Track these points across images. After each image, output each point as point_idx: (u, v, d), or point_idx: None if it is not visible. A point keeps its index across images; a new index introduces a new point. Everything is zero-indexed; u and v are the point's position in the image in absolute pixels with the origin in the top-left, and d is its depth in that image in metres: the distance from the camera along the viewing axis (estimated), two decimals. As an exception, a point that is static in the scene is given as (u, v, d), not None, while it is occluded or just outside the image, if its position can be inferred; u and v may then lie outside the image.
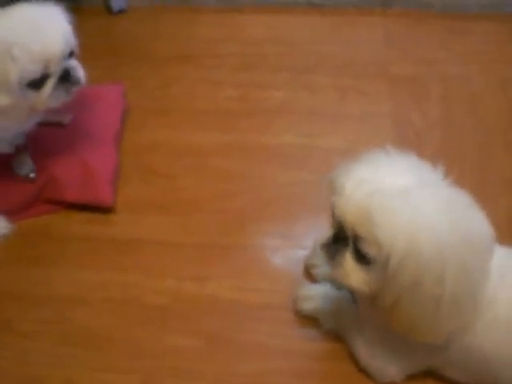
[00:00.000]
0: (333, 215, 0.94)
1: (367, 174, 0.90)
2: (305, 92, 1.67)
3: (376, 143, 0.98)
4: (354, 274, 0.93)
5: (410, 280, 0.86)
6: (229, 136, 1.57)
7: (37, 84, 1.24)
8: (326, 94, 1.66)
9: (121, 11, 2.02)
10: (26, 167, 1.43)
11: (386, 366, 1.05)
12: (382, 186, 0.87)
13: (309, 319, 1.18)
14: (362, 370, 1.09)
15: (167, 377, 1.13)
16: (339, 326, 1.14)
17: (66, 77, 1.27)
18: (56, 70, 1.25)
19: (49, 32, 1.24)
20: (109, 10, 2.02)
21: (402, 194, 0.86)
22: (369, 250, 0.88)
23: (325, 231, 0.97)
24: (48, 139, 1.47)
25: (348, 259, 0.93)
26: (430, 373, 1.07)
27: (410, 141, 1.50)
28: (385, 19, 1.90)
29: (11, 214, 1.41)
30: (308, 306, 1.18)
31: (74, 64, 1.30)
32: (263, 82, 1.71)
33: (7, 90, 1.21)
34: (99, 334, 1.20)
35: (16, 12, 1.26)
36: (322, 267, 1.22)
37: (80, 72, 1.31)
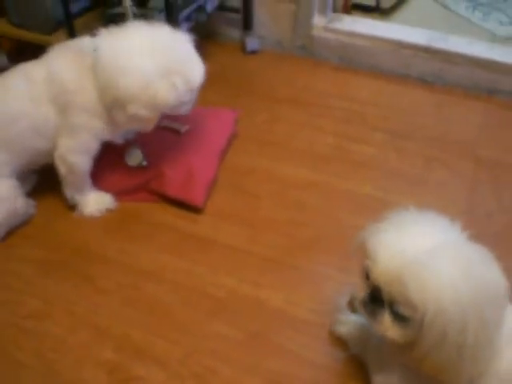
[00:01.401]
0: (367, 277, 1.09)
1: (397, 240, 1.05)
2: (393, 153, 1.84)
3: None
4: (392, 330, 1.07)
5: (438, 333, 1.00)
6: (315, 175, 1.76)
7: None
8: (412, 160, 1.81)
9: (253, 52, 2.30)
10: (136, 158, 1.69)
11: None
12: (410, 252, 1.02)
13: (340, 341, 1.32)
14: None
15: (205, 355, 1.31)
16: (364, 354, 1.28)
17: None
18: (193, 98, 1.56)
19: (197, 64, 1.55)
20: (243, 49, 2.31)
21: (428, 259, 1.00)
22: (404, 311, 1.02)
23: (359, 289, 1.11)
24: (164, 141, 1.73)
25: (386, 317, 1.07)
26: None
27: (479, 218, 1.62)
28: (487, 106, 2.03)
29: (118, 194, 1.68)
30: (342, 329, 1.32)
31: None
32: (359, 137, 1.90)
33: (153, 108, 1.49)
34: (159, 306, 1.42)
35: (169, 38, 1.53)
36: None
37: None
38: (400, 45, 2.14)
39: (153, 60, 1.47)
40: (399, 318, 1.04)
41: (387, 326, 1.07)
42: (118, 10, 1.99)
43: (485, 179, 1.76)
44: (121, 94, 1.45)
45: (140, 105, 1.47)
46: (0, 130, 1.52)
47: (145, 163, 1.69)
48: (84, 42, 1.56)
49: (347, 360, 1.30)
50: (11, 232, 1.58)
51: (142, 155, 1.69)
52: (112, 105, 1.49)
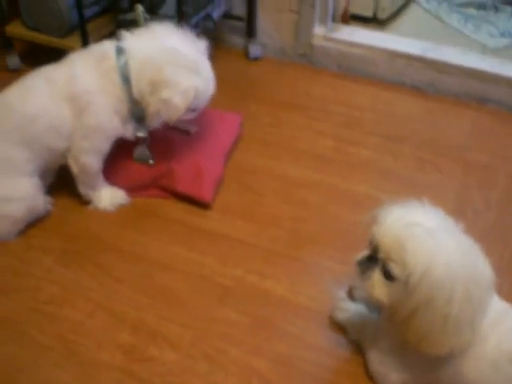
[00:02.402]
0: (371, 240, 1.21)
1: (404, 214, 1.17)
2: (389, 156, 1.96)
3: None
4: (378, 287, 1.19)
5: (424, 298, 1.11)
6: (316, 175, 1.88)
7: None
8: (406, 162, 1.94)
9: (256, 58, 2.42)
10: (144, 156, 1.79)
11: (390, 372, 1.28)
12: (414, 220, 1.14)
13: (340, 327, 1.43)
14: (368, 374, 1.33)
15: (214, 338, 1.42)
16: (361, 339, 1.39)
17: None
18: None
19: (209, 74, 1.68)
20: (246, 55, 2.42)
21: (429, 232, 1.13)
22: (395, 269, 1.14)
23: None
24: (174, 141, 1.84)
25: (376, 274, 1.19)
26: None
27: (466, 216, 1.73)
28: (476, 114, 2.16)
29: (130, 190, 1.79)
30: (341, 315, 1.44)
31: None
32: (356, 141, 2.02)
33: (185, 99, 1.61)
34: (172, 293, 1.53)
35: (189, 47, 1.66)
36: (361, 290, 1.48)
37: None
38: (395, 54, 2.27)
39: (188, 58, 1.61)
40: (388, 277, 1.15)
41: (375, 284, 1.18)
42: (129, 16, 2.10)
43: (473, 181, 1.88)
44: (164, 77, 1.57)
45: (176, 91, 1.58)
46: (21, 129, 1.61)
47: (151, 162, 1.79)
48: (105, 45, 1.66)
49: (346, 344, 1.41)
50: (31, 224, 1.68)
51: (149, 154, 1.79)
52: (146, 90, 1.60)
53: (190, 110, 1.66)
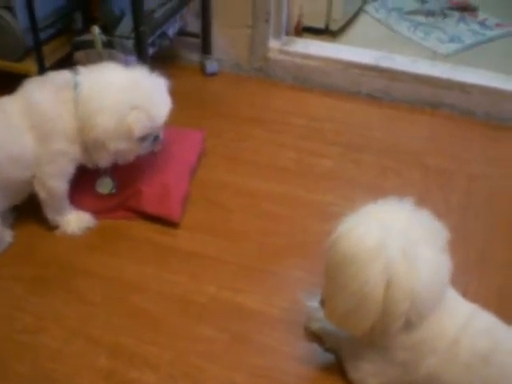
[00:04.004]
0: None
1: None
2: (351, 165, 2.01)
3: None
4: None
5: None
6: (282, 188, 1.91)
7: (143, 139, 1.66)
8: (368, 170, 1.99)
9: (212, 74, 2.45)
10: (107, 187, 1.79)
11: (367, 377, 1.31)
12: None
13: (315, 337, 1.46)
14: (347, 382, 1.36)
15: (193, 356, 1.43)
16: (337, 347, 1.42)
17: (157, 137, 1.73)
18: (158, 132, 1.70)
19: (163, 106, 1.70)
20: (203, 71, 2.45)
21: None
22: None
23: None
24: (139, 161, 1.83)
25: None
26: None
27: (429, 219, 1.79)
28: (432, 119, 2.24)
29: (96, 213, 1.78)
30: (316, 325, 1.47)
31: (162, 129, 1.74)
32: (318, 151, 2.06)
33: (128, 140, 1.63)
34: (147, 314, 1.53)
35: (142, 78, 1.68)
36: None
37: (162, 135, 1.76)
38: (350, 64, 2.32)
39: (124, 96, 1.61)
40: None
41: None
42: (85, 37, 2.10)
43: (433, 185, 1.94)
44: (100, 133, 1.59)
45: (118, 139, 1.60)
46: None
47: (114, 191, 1.79)
48: (64, 75, 1.67)
49: (323, 353, 1.44)
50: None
51: (112, 183, 1.79)
52: (94, 146, 1.62)
53: (139, 141, 1.66)
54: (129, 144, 1.65)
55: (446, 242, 1.23)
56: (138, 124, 1.62)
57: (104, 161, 1.67)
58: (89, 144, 1.63)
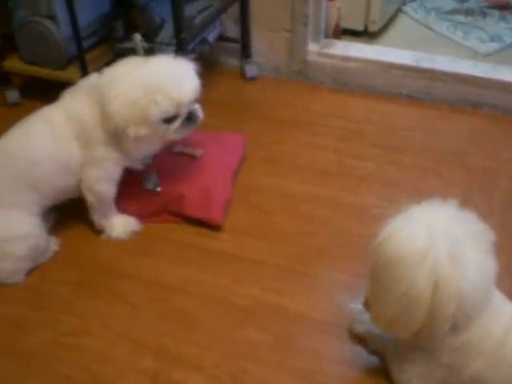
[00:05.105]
0: None
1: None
2: (391, 166, 1.99)
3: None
4: None
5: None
6: (322, 190, 1.91)
7: (169, 120, 1.62)
8: (409, 171, 1.97)
9: (252, 78, 2.46)
10: (152, 183, 1.82)
11: (412, 379, 1.30)
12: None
13: (359, 339, 1.46)
14: (391, 383, 1.35)
15: (237, 358, 1.44)
16: (382, 349, 1.41)
17: (190, 117, 1.66)
18: (184, 112, 1.63)
19: (184, 84, 1.64)
20: (243, 76, 2.46)
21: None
22: None
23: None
24: (181, 166, 1.86)
25: None
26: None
27: (473, 220, 1.76)
28: (473, 118, 2.20)
29: (141, 217, 1.81)
30: (360, 327, 1.46)
31: (197, 107, 1.68)
32: (358, 154, 2.05)
33: (147, 124, 1.60)
34: (189, 316, 1.55)
35: (159, 63, 1.67)
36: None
37: (200, 113, 1.69)
38: (390, 66, 2.31)
39: (136, 80, 1.59)
40: None
41: None
42: (127, 44, 2.14)
43: (475, 186, 1.91)
44: (116, 121, 1.58)
45: (137, 124, 1.58)
46: (25, 175, 1.63)
47: (158, 189, 1.81)
48: (92, 79, 1.70)
49: (367, 355, 1.43)
50: (45, 257, 1.71)
51: (157, 181, 1.82)
52: (118, 136, 1.62)
53: (164, 124, 1.62)
54: (151, 128, 1.61)
55: (490, 244, 1.21)
56: (154, 106, 1.58)
57: (134, 151, 1.67)
58: (115, 136, 1.62)
